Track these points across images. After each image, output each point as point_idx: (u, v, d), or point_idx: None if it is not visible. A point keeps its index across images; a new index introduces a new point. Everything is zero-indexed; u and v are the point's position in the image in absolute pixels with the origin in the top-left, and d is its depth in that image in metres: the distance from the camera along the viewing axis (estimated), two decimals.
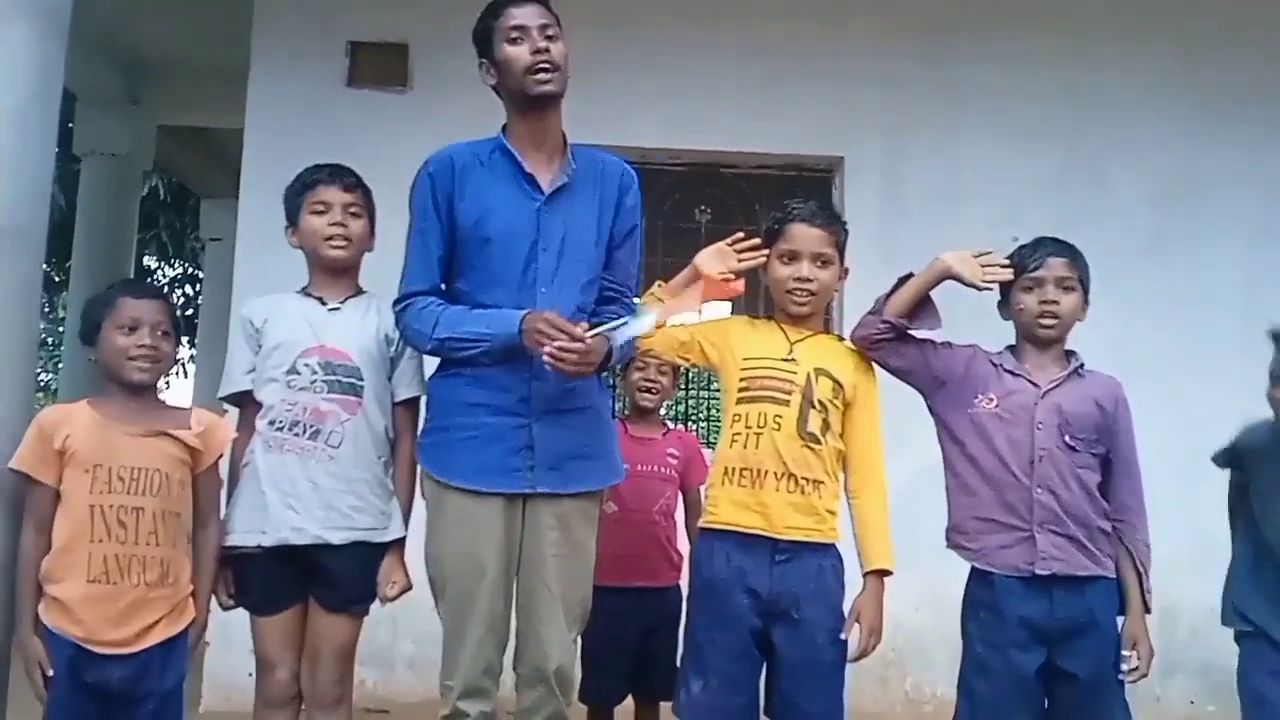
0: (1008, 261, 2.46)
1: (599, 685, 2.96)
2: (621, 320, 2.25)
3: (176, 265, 12.41)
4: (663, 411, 3.38)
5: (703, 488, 3.11)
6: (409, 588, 2.48)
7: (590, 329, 2.18)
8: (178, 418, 2.40)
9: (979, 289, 2.43)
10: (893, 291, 2.46)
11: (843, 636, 2.35)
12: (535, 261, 2.32)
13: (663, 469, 3.14)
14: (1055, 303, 2.43)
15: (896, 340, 2.45)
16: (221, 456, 2.46)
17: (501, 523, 2.29)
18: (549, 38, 2.31)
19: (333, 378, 2.43)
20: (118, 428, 2.30)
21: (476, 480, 2.29)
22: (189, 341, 9.76)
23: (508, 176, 2.36)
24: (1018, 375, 2.44)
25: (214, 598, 2.45)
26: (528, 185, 2.35)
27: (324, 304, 2.51)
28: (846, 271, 2.53)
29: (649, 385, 3.13)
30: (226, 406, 2.60)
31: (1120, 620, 2.41)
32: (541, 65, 2.28)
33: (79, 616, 2.22)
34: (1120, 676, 2.37)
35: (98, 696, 2.25)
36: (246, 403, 2.51)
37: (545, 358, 2.15)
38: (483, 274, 2.34)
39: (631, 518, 2.99)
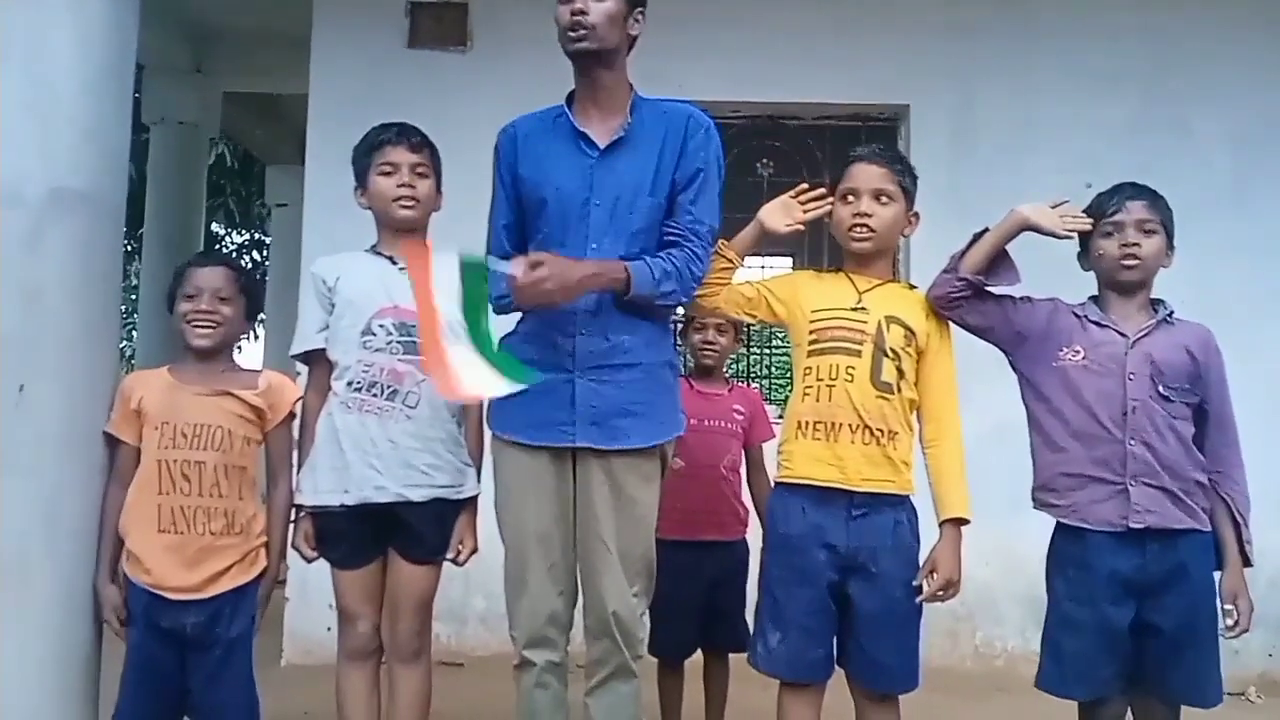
0: (1084, 213, 2.40)
1: (669, 638, 2.99)
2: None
3: (244, 232, 12.62)
4: (726, 369, 3.38)
5: (766, 444, 3.14)
6: (476, 550, 2.54)
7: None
8: (245, 379, 2.50)
9: (1059, 238, 2.37)
10: (968, 248, 2.40)
11: (915, 585, 2.33)
12: (588, 218, 2.32)
13: (728, 424, 3.15)
14: (1137, 245, 2.36)
15: (974, 298, 2.39)
16: (293, 417, 2.53)
17: (552, 476, 2.33)
18: None
19: (408, 338, 2.45)
20: (185, 389, 2.42)
21: (525, 434, 2.34)
22: None
23: (565, 137, 2.37)
24: (1104, 326, 2.38)
25: (296, 551, 2.53)
26: (582, 144, 2.36)
27: (395, 263, 2.53)
28: (916, 216, 2.48)
29: (708, 344, 3.16)
30: (299, 366, 2.65)
31: (1218, 575, 2.35)
32: (574, 24, 2.29)
33: (148, 565, 2.36)
34: (1220, 632, 2.32)
35: (174, 641, 2.38)
36: (318, 361, 2.55)
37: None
38: (544, 235, 2.36)
39: (700, 473, 3.00)
